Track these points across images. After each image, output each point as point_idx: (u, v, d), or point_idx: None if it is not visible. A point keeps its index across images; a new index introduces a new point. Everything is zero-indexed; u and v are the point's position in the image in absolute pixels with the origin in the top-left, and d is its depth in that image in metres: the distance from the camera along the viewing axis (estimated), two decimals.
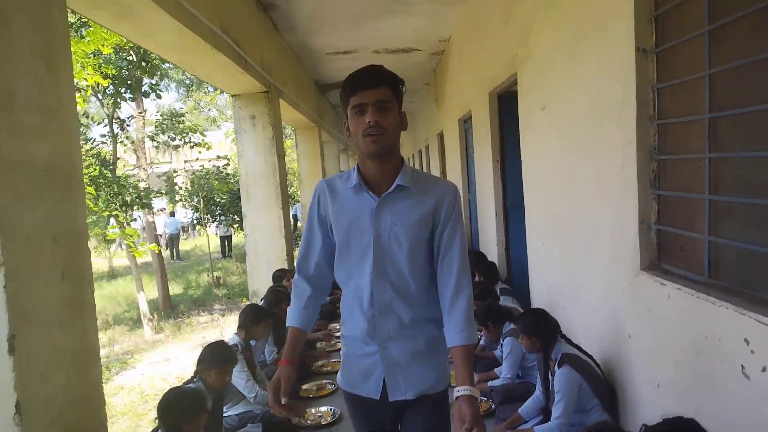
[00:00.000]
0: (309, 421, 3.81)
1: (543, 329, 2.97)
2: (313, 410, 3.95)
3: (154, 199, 12.04)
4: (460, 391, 1.73)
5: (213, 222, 16.04)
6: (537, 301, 4.80)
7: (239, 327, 3.93)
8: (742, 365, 1.95)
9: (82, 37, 6.96)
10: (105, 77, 8.32)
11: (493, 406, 3.68)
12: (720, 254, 2.24)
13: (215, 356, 3.22)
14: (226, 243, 19.21)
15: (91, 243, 16.95)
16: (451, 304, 1.85)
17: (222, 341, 3.51)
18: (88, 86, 8.04)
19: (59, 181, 2.16)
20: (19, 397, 1.87)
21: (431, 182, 1.96)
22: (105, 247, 16.22)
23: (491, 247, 6.62)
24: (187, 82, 23.71)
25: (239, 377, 3.59)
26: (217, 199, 14.01)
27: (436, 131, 11.86)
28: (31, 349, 1.94)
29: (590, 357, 2.99)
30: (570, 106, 3.64)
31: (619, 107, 2.83)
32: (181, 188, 15.19)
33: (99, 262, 18.38)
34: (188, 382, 3.21)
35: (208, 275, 14.17)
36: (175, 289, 14.01)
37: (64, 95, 2.23)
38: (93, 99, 10.39)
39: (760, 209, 1.96)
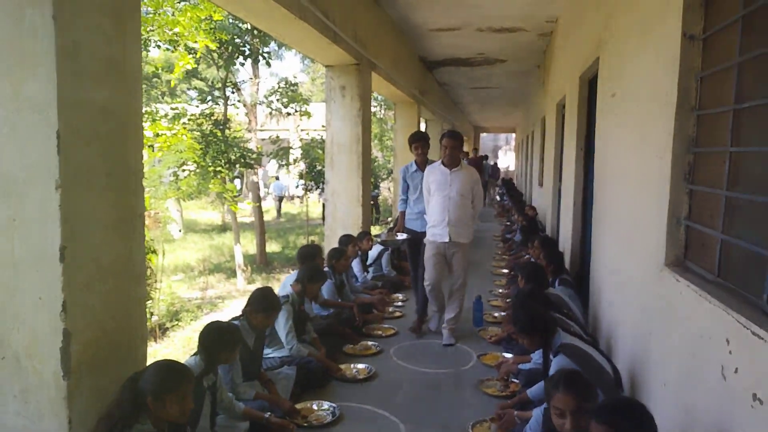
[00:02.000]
0: (346, 375, 4.06)
1: (539, 326, 2.96)
2: (351, 366, 4.20)
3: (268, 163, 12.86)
4: None
5: (317, 189, 16.77)
6: (592, 295, 4.70)
7: (296, 281, 4.23)
8: (722, 366, 1.89)
9: (197, 4, 7.66)
10: (220, 43, 9.05)
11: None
12: (731, 253, 2.15)
13: (262, 301, 3.52)
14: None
15: (208, 198, 18.41)
16: None
17: (271, 288, 3.80)
18: (199, 49, 8.78)
19: (116, 121, 2.49)
20: (65, 298, 2.24)
21: None
22: (221, 203, 17.49)
23: (567, 238, 6.46)
24: None
25: (282, 327, 3.89)
26: (319, 167, 14.64)
27: (541, 115, 11.54)
28: (79, 261, 2.30)
29: (597, 348, 2.94)
30: (633, 94, 3.51)
31: (664, 96, 2.73)
32: (292, 154, 15.97)
33: (214, 216, 19.95)
34: (235, 318, 3.54)
35: (305, 239, 14.97)
36: (273, 246, 14.95)
37: (128, 47, 2.55)
38: (210, 62, 11.25)
39: (761, 208, 1.86)
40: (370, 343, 4.72)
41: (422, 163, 5.19)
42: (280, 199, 22.50)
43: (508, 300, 5.91)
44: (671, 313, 2.52)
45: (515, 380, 3.83)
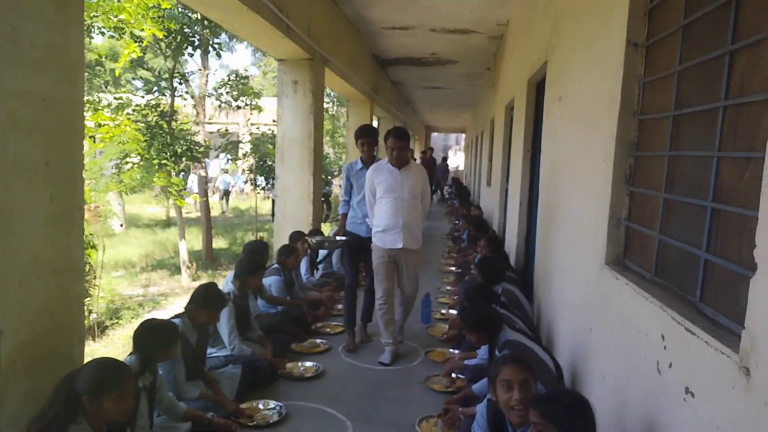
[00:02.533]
0: (293, 373, 4.02)
1: (487, 323, 3.04)
2: (299, 364, 4.16)
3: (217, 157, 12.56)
4: None
5: (266, 185, 16.52)
6: (536, 290, 4.82)
7: (235, 277, 4.15)
8: (657, 360, 1.98)
9: None
10: (168, 32, 8.79)
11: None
12: (667, 253, 2.24)
13: (205, 297, 3.44)
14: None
15: (152, 192, 17.87)
16: None
17: (215, 284, 3.72)
18: (145, 37, 8.51)
19: (57, 111, 2.38)
20: None
21: None
22: (165, 197, 17.00)
23: (512, 237, 6.61)
24: None
25: (225, 326, 3.80)
26: (269, 162, 14.41)
27: (490, 117, 11.75)
28: (12, 256, 2.19)
29: (540, 344, 3.04)
30: (579, 98, 3.61)
31: (608, 101, 2.82)
32: (242, 149, 15.63)
33: (157, 211, 19.40)
34: (177, 316, 3.44)
35: (253, 235, 14.73)
36: (220, 243, 14.66)
37: (72, 34, 2.45)
38: (158, 51, 10.94)
39: (695, 210, 1.96)
40: (318, 340, 4.69)
41: (369, 161, 4.60)
42: (227, 194, 22.22)
43: (455, 297, 5.99)
44: (611, 309, 2.61)
45: (461, 376, 3.89)
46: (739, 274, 1.58)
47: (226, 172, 21.11)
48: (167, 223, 17.93)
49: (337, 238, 4.76)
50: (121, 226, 15.81)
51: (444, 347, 4.59)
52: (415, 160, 4.70)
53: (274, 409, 3.43)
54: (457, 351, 4.34)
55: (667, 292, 2.10)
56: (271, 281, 4.91)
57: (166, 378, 3.06)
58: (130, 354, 2.80)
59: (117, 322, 8.33)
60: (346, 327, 4.74)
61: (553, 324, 3.96)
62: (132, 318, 8.33)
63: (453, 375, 3.93)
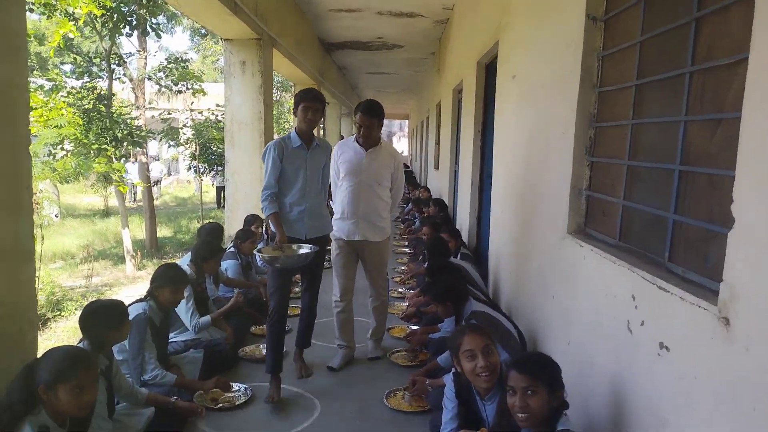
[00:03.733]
0: (255, 356, 3.96)
1: (453, 294, 3.11)
2: (261, 346, 4.10)
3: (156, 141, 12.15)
4: None
5: (210, 171, 16.07)
6: (492, 266, 4.92)
7: (190, 261, 4.04)
8: (628, 320, 2.05)
9: None
10: (106, 10, 8.35)
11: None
12: (631, 218, 2.33)
13: (166, 275, 3.33)
14: (222, 193, 19.39)
15: (87, 182, 17.08)
16: None
17: (175, 263, 3.62)
18: (82, 15, 8.05)
19: (2, 92, 2.23)
20: None
21: None
22: (103, 186, 16.28)
23: (464, 216, 6.71)
24: (203, 31, 23.52)
25: (183, 309, 3.72)
26: (214, 149, 14.02)
27: (436, 101, 11.84)
28: None
29: (503, 314, 3.12)
30: (533, 75, 3.68)
31: (567, 75, 2.89)
32: (183, 134, 15.10)
33: (96, 200, 18.59)
34: (141, 300, 3.30)
35: (198, 222, 14.35)
36: (165, 231, 14.20)
37: (13, 16, 2.28)
38: (93, 33, 10.39)
39: (662, 174, 2.03)
40: None
41: (310, 138, 3.45)
42: (158, 182, 21.63)
43: (411, 276, 6.07)
44: (574, 276, 2.69)
45: (424, 350, 3.94)
46: (710, 232, 1.65)
47: (157, 158, 20.78)
48: (106, 213, 17.21)
49: (301, 251, 3.35)
50: (57, 216, 15.06)
51: (403, 324, 4.64)
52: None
53: (239, 390, 3.37)
54: (416, 327, 4.40)
55: (633, 255, 2.18)
56: (227, 265, 4.81)
57: (133, 364, 2.96)
58: (81, 340, 2.66)
59: (60, 314, 7.95)
60: (268, 371, 3.39)
61: (515, 295, 4.05)
62: (75, 309, 7.96)
63: (417, 349, 3.97)
